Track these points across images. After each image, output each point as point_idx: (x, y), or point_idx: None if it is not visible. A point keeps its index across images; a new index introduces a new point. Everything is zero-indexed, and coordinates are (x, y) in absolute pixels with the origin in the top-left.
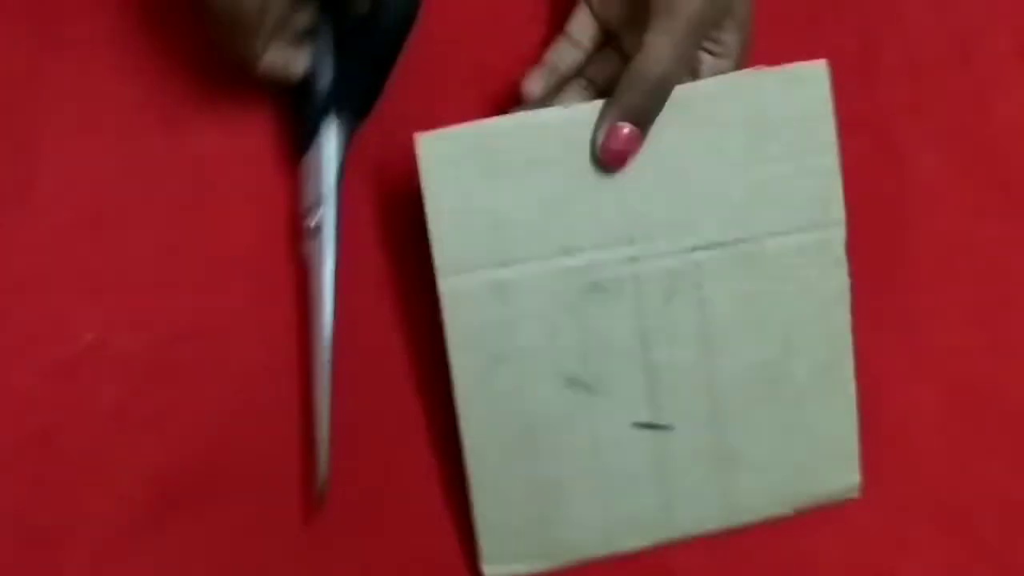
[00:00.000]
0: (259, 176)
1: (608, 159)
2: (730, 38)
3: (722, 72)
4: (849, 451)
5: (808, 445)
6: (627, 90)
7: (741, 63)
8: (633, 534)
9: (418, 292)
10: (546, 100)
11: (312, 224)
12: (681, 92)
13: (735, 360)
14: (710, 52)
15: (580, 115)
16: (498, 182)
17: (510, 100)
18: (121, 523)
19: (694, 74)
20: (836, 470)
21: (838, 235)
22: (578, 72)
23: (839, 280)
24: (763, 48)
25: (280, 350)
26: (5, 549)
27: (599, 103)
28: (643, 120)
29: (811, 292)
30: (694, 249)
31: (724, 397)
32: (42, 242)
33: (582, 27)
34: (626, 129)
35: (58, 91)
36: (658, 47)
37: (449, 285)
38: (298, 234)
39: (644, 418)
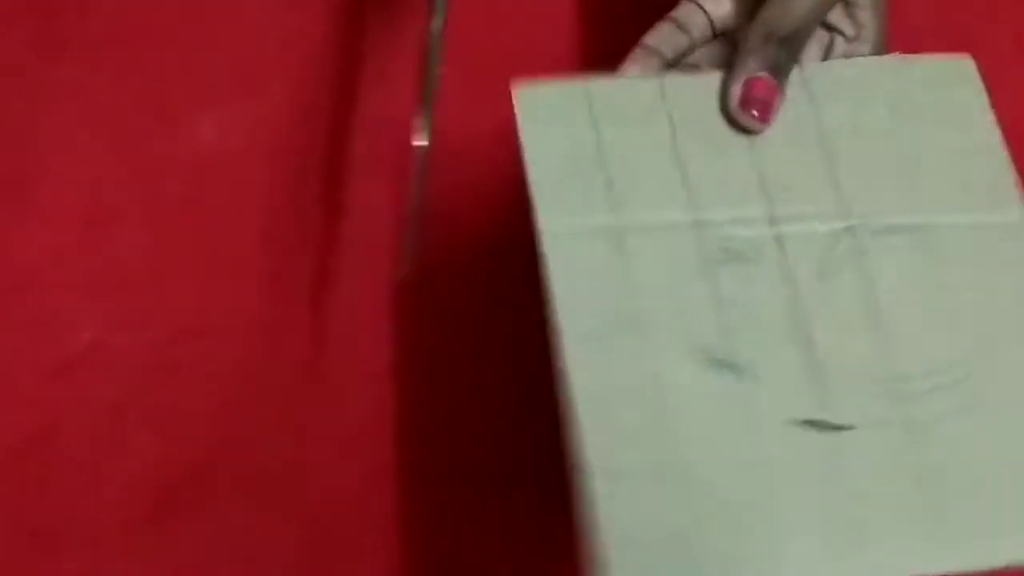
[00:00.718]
0: (259, 174)
1: (751, 107)
2: (866, 17)
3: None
4: None
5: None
6: (759, 44)
7: (878, 52)
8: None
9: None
10: None
11: None
12: (814, 69)
13: (918, 355)
14: (843, 34)
15: (698, 81)
16: (606, 135)
17: None
18: (121, 523)
19: (826, 57)
20: None
21: (1021, 218)
22: (682, 59)
23: None
24: None
25: (280, 348)
26: (5, 549)
27: (716, 73)
28: (779, 74)
29: (1001, 281)
30: (848, 225)
31: (912, 402)
32: (40, 242)
33: (689, 13)
34: (765, 79)
35: (56, 90)
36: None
37: (550, 225)
38: None
39: (809, 414)
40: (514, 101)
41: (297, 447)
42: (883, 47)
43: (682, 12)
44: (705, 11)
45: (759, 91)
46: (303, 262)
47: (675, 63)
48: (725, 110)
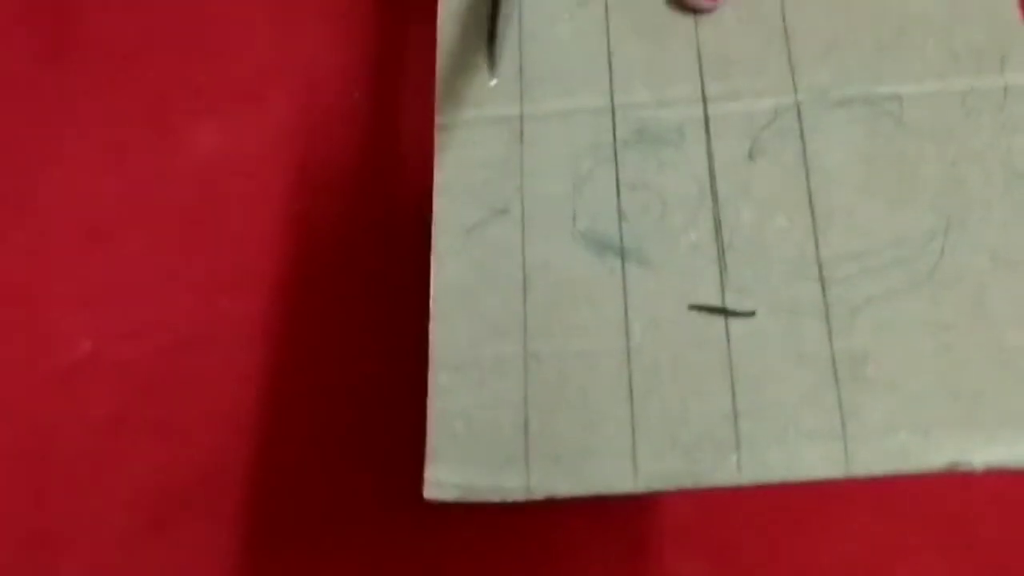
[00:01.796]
0: (257, 185)
1: None
2: None
3: None
4: None
5: (986, 353)
6: None
7: None
8: (679, 471)
9: None
10: None
11: None
12: None
13: (858, 238)
14: None
15: None
16: (528, 19)
17: None
18: (120, 530)
19: None
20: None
21: (1016, 83)
22: None
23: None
24: None
25: (279, 357)
26: (5, 555)
27: None
28: None
29: (987, 157)
30: (796, 103)
31: (839, 285)
32: (39, 253)
33: None
34: None
35: (55, 101)
36: None
37: (446, 117)
38: None
39: (711, 300)
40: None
41: (297, 456)
42: None
43: None
44: None
45: None
46: (304, 272)
47: None
48: None
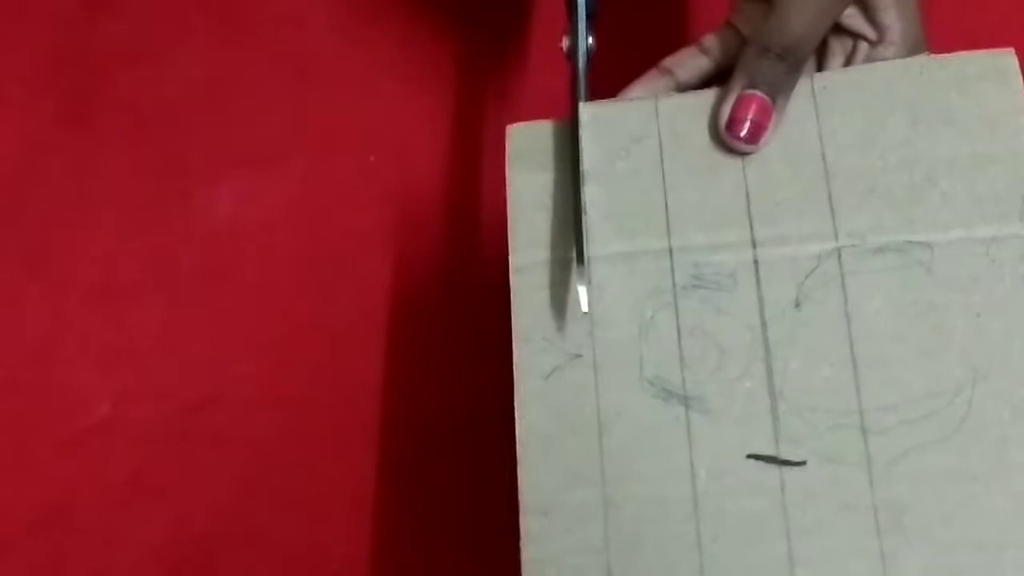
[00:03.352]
0: (271, 246)
1: (738, 130)
2: (889, 20)
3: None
4: None
5: (1009, 515)
6: (754, 58)
7: (907, 53)
8: None
9: None
10: None
11: None
12: (826, 79)
13: (895, 390)
14: (866, 39)
15: (692, 100)
16: (589, 166)
17: None
18: None
19: (848, 64)
20: None
21: None
22: (701, 84)
23: None
24: None
25: (295, 419)
26: None
27: (713, 90)
28: (775, 91)
29: (1010, 309)
30: (836, 250)
31: (879, 436)
32: (57, 314)
33: (718, 37)
34: (758, 97)
35: (75, 164)
36: (787, 12)
37: (518, 259)
38: None
39: (764, 449)
40: (506, 141)
41: (310, 519)
42: (915, 47)
43: (710, 36)
44: (740, 34)
45: (747, 111)
46: (319, 336)
47: (694, 87)
48: (714, 130)
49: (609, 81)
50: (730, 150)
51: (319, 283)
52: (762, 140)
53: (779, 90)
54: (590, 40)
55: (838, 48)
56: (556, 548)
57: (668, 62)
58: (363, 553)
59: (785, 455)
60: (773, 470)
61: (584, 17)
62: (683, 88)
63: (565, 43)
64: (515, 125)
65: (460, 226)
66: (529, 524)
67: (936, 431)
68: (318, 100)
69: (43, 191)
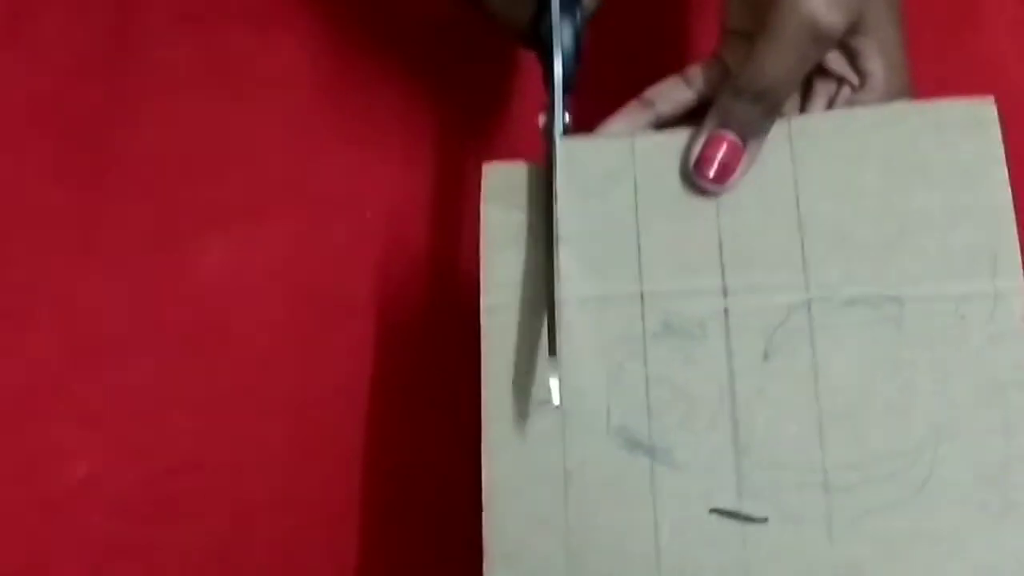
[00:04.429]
0: (264, 303)
1: (706, 170)
2: (872, 66)
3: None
4: None
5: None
6: (728, 98)
7: (889, 99)
8: None
9: None
10: None
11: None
12: (805, 122)
13: (859, 447)
14: (849, 84)
15: (668, 140)
16: (563, 207)
17: None
18: None
19: (830, 107)
20: None
21: (1013, 301)
22: (685, 117)
23: (1017, 357)
24: None
25: (280, 485)
26: None
27: (691, 129)
28: (747, 133)
29: (975, 369)
30: (807, 301)
31: (841, 493)
32: (38, 369)
33: (702, 67)
34: (728, 138)
35: (62, 217)
36: (764, 55)
37: (492, 298)
38: None
39: (728, 504)
40: (482, 180)
41: None
42: (898, 94)
43: (695, 67)
44: (726, 66)
45: (716, 151)
46: (307, 399)
47: (676, 119)
48: (685, 170)
49: (595, 98)
50: (700, 190)
51: (314, 342)
52: (730, 181)
53: (751, 132)
54: (567, 118)
55: (822, 90)
56: None
57: (650, 93)
58: None
59: (748, 511)
60: (736, 526)
61: (560, 97)
62: (664, 121)
63: (541, 120)
64: (491, 164)
65: (454, 285)
66: (493, 570)
67: (898, 491)
68: (312, 152)
69: (30, 239)
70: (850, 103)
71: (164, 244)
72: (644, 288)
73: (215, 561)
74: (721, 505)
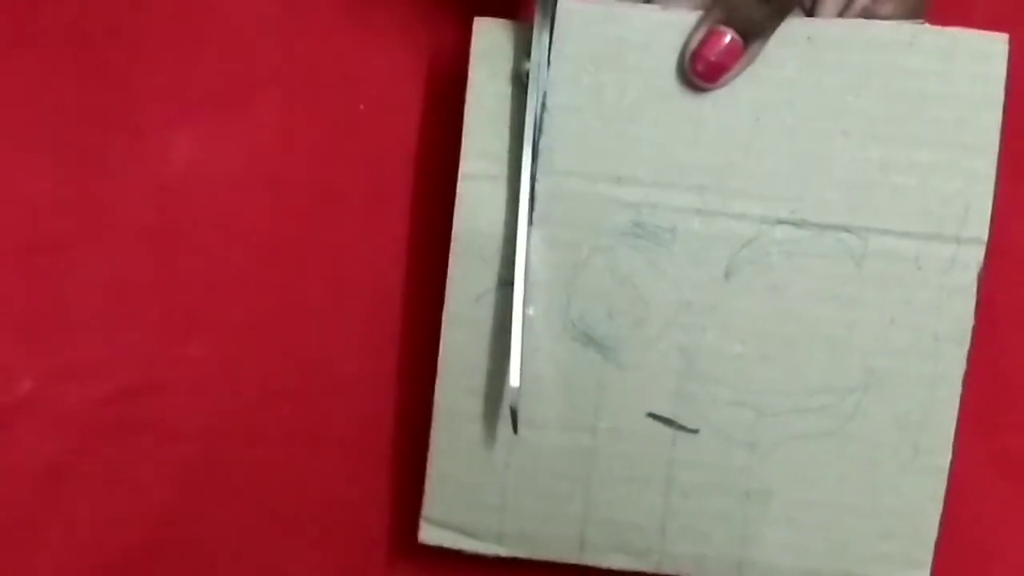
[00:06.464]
0: (235, 205)
1: (700, 69)
2: None
3: (877, 18)
4: (922, 537)
5: (868, 513)
6: None
7: (906, 15)
8: (613, 549)
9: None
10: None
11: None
12: (812, 27)
13: (796, 377)
14: None
15: (672, 19)
16: (554, 73)
17: None
18: None
19: (844, 13)
20: (896, 562)
21: (974, 256)
22: None
23: (962, 313)
24: None
25: (252, 412)
26: None
27: (698, 14)
28: (749, 32)
29: (919, 319)
30: (777, 222)
31: (771, 418)
32: None
33: None
34: (728, 37)
35: (9, 92)
36: None
37: (471, 166)
38: None
39: (664, 410)
40: (472, 38)
41: (259, 522)
42: (913, 11)
43: None
44: None
45: (714, 47)
46: (287, 314)
47: None
48: (681, 60)
49: None
50: (693, 84)
51: (290, 251)
52: (722, 80)
53: (755, 32)
54: None
55: None
56: (461, 463)
57: None
58: (330, 565)
59: (682, 420)
60: (668, 432)
61: None
62: None
63: None
64: (483, 20)
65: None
66: (438, 439)
67: (821, 425)
68: (298, 35)
69: None
70: (866, 12)
71: (123, 132)
72: (621, 181)
73: (173, 492)
74: (658, 411)
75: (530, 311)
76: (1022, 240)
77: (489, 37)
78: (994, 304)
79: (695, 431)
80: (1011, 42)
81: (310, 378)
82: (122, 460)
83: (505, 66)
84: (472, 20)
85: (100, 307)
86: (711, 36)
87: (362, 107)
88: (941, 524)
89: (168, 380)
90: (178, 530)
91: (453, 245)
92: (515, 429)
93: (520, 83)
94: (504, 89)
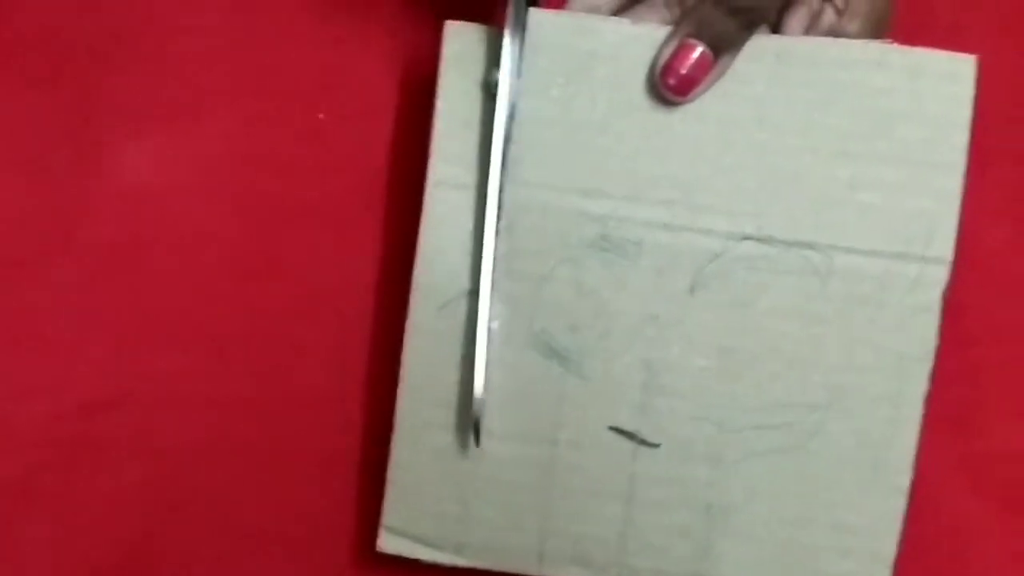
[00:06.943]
0: (197, 217)
1: (671, 82)
2: None
3: (843, 36)
4: (881, 555)
5: (828, 531)
6: (708, 5)
7: (872, 32)
8: (572, 562)
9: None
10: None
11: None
12: (781, 44)
13: (759, 393)
14: (834, 6)
15: (642, 33)
16: (525, 82)
17: None
18: None
19: (810, 30)
20: (855, 573)
21: (938, 276)
22: None
23: (926, 332)
24: None
25: (214, 420)
26: None
27: (667, 28)
28: (719, 46)
29: (883, 337)
30: (743, 238)
31: (733, 434)
32: None
33: None
34: (698, 50)
35: None
36: None
37: (440, 173)
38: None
39: (626, 424)
40: (442, 41)
41: (222, 533)
42: (878, 26)
43: None
44: None
45: (684, 61)
46: (251, 327)
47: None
48: (651, 73)
49: None
50: (663, 97)
51: (253, 262)
52: (691, 94)
53: (724, 46)
54: None
55: (803, 10)
56: (422, 472)
57: None
58: (290, 574)
59: (644, 434)
60: (630, 445)
61: None
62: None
63: None
64: (455, 23)
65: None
66: (399, 443)
67: (783, 442)
68: (261, 45)
69: None
70: (832, 30)
71: (84, 146)
72: (589, 194)
73: (129, 514)
74: (620, 424)
75: (495, 322)
76: (995, 252)
77: (460, 41)
78: (966, 316)
79: (656, 445)
80: (978, 63)
81: (274, 390)
82: (84, 475)
83: (476, 71)
84: (443, 24)
85: (61, 322)
86: (681, 49)
87: (322, 116)
88: (901, 542)
89: (130, 394)
90: (142, 544)
91: (419, 252)
92: (477, 441)
93: (489, 92)
94: (475, 95)
